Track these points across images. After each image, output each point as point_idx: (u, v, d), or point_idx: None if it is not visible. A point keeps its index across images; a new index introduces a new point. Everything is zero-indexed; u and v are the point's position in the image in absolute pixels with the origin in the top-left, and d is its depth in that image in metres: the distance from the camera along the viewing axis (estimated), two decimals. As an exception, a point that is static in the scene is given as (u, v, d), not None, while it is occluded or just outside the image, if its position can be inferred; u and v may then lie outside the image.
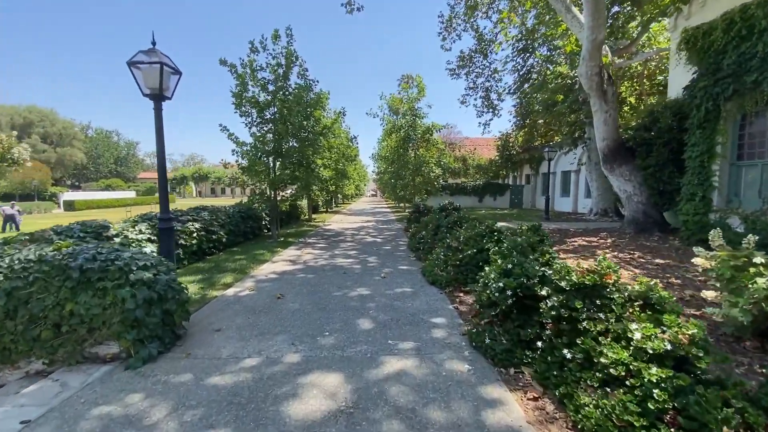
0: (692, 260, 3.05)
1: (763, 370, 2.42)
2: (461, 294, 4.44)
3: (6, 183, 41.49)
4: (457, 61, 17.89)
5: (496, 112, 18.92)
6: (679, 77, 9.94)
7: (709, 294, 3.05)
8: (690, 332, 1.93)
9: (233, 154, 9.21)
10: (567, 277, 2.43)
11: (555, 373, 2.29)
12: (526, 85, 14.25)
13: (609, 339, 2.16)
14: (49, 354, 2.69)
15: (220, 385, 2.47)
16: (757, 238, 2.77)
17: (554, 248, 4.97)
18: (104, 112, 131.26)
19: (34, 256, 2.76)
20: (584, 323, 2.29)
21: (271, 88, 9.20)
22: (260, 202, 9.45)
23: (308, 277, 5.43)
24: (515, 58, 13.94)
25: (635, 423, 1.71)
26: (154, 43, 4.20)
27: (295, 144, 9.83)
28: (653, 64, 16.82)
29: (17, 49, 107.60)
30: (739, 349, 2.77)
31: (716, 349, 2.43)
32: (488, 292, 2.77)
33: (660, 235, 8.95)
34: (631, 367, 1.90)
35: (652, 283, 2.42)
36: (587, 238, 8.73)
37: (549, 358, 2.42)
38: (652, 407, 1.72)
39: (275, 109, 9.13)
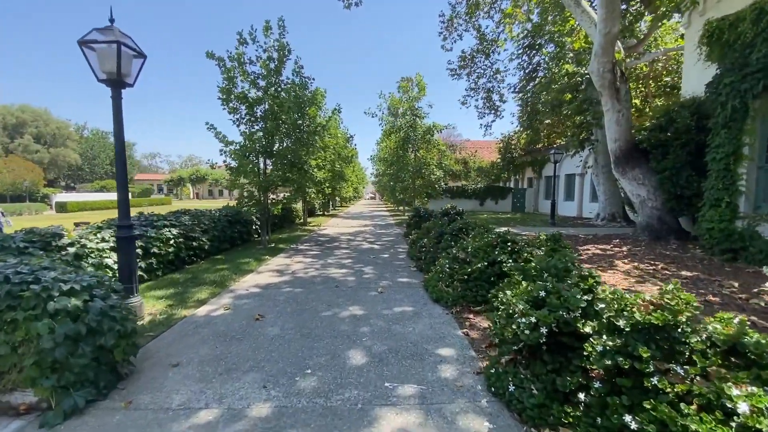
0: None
1: None
2: (471, 315, 3.81)
3: (-4, 184, 40.69)
4: (458, 61, 17.38)
5: (498, 113, 18.39)
6: (695, 75, 9.39)
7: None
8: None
9: (221, 154, 8.59)
10: (626, 313, 1.81)
11: (613, 446, 1.66)
12: (531, 84, 13.67)
13: (695, 406, 1.53)
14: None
15: (156, 458, 1.83)
16: None
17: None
18: (102, 112, 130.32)
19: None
20: (654, 379, 1.66)
21: (262, 83, 8.60)
22: (249, 205, 8.80)
23: (295, 292, 4.78)
24: (521, 56, 13.39)
25: None
26: (111, 20, 3.58)
27: (288, 143, 9.22)
28: (660, 65, 16.35)
29: (16, 48, 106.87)
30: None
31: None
32: (513, 326, 2.14)
33: (677, 242, 8.36)
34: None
35: (737, 319, 1.81)
36: (600, 246, 8.12)
37: (600, 420, 1.79)
38: None
39: (266, 106, 8.53)
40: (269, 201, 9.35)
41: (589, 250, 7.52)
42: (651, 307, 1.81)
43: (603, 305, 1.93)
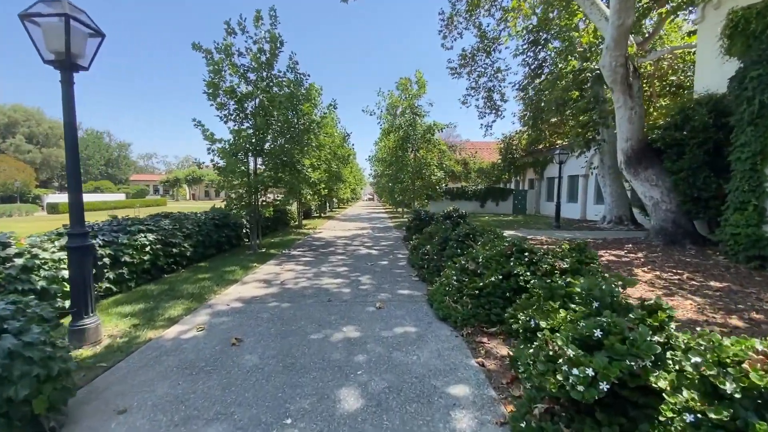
0: None
1: None
2: (485, 339, 3.26)
3: (-14, 184, 39.89)
4: (458, 60, 16.90)
5: (499, 113, 17.91)
6: (710, 71, 8.93)
7: None
8: None
9: (208, 153, 8.02)
10: (732, 371, 1.26)
11: None
12: (537, 81, 13.16)
13: None
14: None
15: None
16: None
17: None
18: (99, 112, 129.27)
19: None
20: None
21: (252, 77, 8.04)
22: (239, 207, 8.23)
23: (282, 308, 4.22)
24: (526, 52, 12.88)
25: None
26: (62, -10, 3.02)
27: (282, 142, 8.66)
28: (665, 63, 15.92)
29: (16, 49, 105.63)
30: None
31: None
32: (559, 376, 1.59)
33: (694, 248, 7.86)
34: None
35: None
36: (613, 252, 7.60)
37: None
38: None
39: (257, 102, 7.97)
40: (260, 203, 8.79)
41: (602, 256, 6.99)
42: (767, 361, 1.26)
43: (695, 357, 1.38)
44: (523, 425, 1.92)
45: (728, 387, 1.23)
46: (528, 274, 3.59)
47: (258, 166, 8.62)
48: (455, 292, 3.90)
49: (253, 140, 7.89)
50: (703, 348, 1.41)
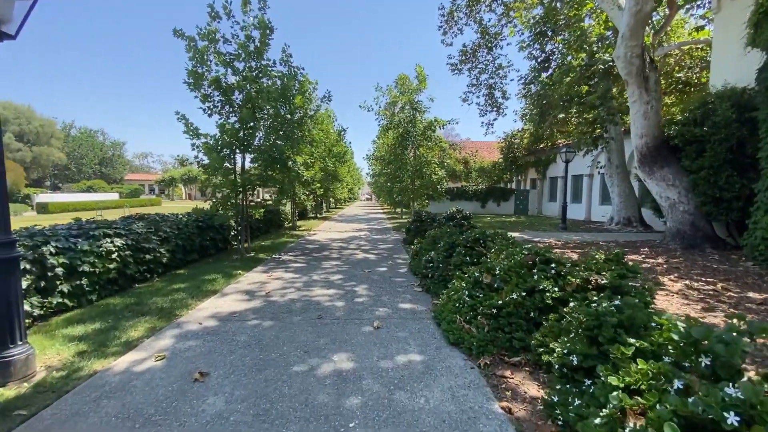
0: None
1: None
2: (507, 372, 2.65)
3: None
4: (459, 56, 16.33)
5: (501, 110, 17.35)
6: (728, 65, 8.41)
7: None
8: None
9: (192, 149, 7.38)
10: None
11: None
12: (545, 74, 12.59)
13: None
14: None
15: None
16: None
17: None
18: (95, 110, 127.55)
19: None
20: None
21: (240, 66, 7.40)
22: (225, 207, 7.59)
23: (263, 328, 3.59)
24: (532, 44, 12.30)
25: None
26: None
27: (273, 138, 8.02)
28: (672, 60, 15.41)
29: (15, 49, 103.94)
30: None
31: None
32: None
33: (716, 252, 7.31)
34: None
35: None
36: (630, 257, 7.02)
37: None
38: None
39: (243, 94, 7.33)
40: (249, 203, 8.15)
41: (621, 262, 6.40)
42: None
43: None
44: None
45: None
46: (556, 289, 2.99)
47: (247, 163, 7.99)
48: (468, 310, 3.29)
49: (240, 134, 7.25)
50: None
